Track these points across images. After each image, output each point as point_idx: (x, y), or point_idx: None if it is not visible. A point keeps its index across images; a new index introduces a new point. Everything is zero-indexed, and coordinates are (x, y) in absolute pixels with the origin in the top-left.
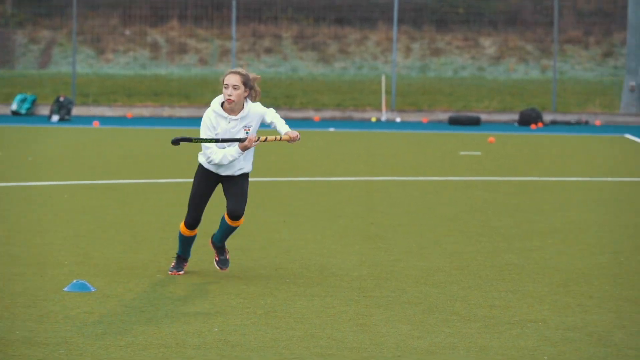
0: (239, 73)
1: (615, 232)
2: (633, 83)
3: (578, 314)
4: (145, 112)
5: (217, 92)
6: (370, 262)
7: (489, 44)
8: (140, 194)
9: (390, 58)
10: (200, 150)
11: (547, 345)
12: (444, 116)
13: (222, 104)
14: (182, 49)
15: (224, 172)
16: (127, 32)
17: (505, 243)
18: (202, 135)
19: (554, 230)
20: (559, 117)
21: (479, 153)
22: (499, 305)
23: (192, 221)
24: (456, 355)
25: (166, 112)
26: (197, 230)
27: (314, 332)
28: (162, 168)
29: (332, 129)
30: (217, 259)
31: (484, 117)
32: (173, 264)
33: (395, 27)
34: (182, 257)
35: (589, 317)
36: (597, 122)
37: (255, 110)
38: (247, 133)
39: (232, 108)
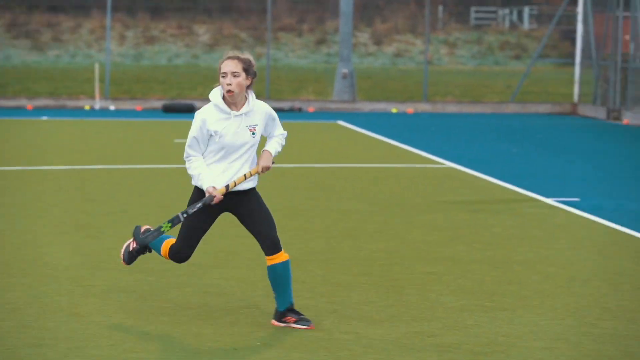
0: (238, 58)
1: (326, 217)
2: (345, 70)
3: None
4: None
5: None
6: (84, 251)
7: (203, 32)
8: None
9: (104, 46)
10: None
11: (260, 330)
12: (158, 104)
13: (223, 97)
14: None
15: (244, 187)
16: None
17: (220, 229)
18: (187, 143)
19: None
20: (273, 104)
21: None
22: (213, 292)
23: (185, 252)
24: (170, 343)
25: None
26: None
27: (27, 323)
28: None
29: (45, 118)
30: (293, 320)
31: (198, 104)
32: (133, 245)
33: (109, 15)
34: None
35: (302, 302)
36: (311, 109)
37: (261, 108)
38: (253, 134)
39: (233, 101)
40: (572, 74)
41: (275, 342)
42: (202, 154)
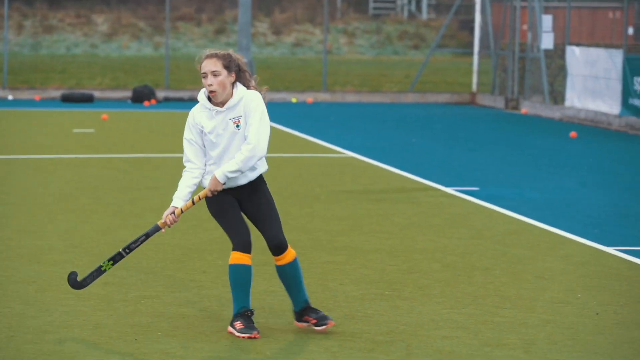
0: (216, 55)
1: None
2: (245, 60)
3: (192, 289)
4: None
5: None
6: None
7: (101, 21)
8: None
9: (2, 35)
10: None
11: (161, 320)
12: (57, 93)
13: (209, 97)
14: None
15: (240, 182)
16: None
17: (119, 219)
18: (183, 142)
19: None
20: (172, 94)
21: (92, 130)
22: (114, 282)
23: (242, 238)
24: (70, 333)
25: None
26: (251, 260)
27: None
28: None
29: None
30: (313, 321)
31: (97, 94)
32: (238, 324)
33: (6, 4)
34: (246, 311)
35: (203, 292)
36: None
37: (249, 98)
38: (237, 126)
39: (217, 101)
40: (471, 64)
41: (176, 332)
42: (204, 156)
